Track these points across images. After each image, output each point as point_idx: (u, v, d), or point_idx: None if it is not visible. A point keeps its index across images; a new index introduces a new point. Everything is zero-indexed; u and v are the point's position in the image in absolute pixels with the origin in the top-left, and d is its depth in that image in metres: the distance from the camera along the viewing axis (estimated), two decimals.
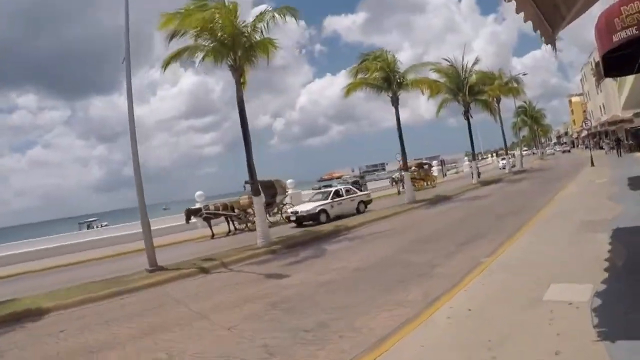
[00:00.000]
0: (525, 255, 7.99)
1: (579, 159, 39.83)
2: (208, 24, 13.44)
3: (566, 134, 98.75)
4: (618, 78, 32.94)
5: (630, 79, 25.76)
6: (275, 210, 21.53)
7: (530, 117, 64.05)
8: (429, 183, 36.65)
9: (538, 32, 5.35)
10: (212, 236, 18.64)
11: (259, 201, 14.75)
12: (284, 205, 22.02)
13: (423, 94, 24.58)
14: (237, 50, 14.40)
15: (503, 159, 48.38)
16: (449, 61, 31.53)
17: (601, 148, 52.50)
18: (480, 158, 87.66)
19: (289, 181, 28.68)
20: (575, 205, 13.05)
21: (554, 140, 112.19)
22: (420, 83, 23.59)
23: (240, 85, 14.88)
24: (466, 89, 31.18)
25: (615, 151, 37.92)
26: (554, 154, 76.63)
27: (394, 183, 34.75)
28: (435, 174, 46.82)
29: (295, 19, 14.97)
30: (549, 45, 6.01)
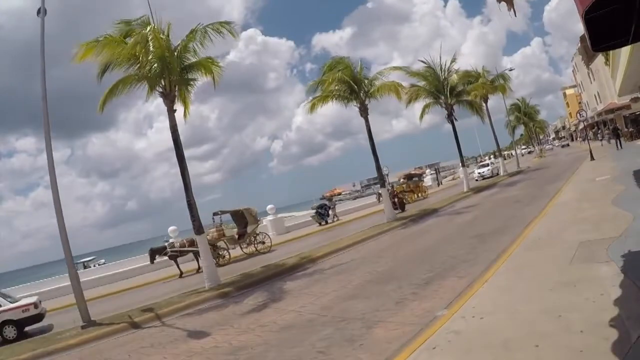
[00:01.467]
0: (486, 320, 5.27)
1: (578, 153, 37.24)
2: (131, 51, 12.19)
3: (564, 127, 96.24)
4: (610, 59, 30.47)
5: (622, 62, 23.19)
6: (248, 241, 19.73)
7: (524, 114, 61.47)
8: (420, 194, 34.17)
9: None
10: (181, 275, 17.37)
11: (203, 240, 13.35)
12: (257, 235, 19.93)
13: (400, 100, 22.00)
14: (169, 75, 12.82)
15: (482, 166, 43.34)
16: (425, 62, 29.08)
17: (599, 140, 49.74)
18: (479, 161, 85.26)
19: (268, 207, 27.09)
20: (570, 216, 10.37)
21: (552, 135, 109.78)
22: (386, 89, 21.01)
23: (172, 113, 13.25)
24: (447, 91, 28.65)
25: (614, 142, 33.97)
26: (552, 149, 74.13)
27: (380, 199, 31.99)
28: (428, 183, 44.58)
29: (233, 35, 13.30)
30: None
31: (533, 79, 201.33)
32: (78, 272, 12.41)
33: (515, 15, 5.44)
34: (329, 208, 26.88)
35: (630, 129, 38.64)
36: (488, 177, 37.21)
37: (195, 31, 13.17)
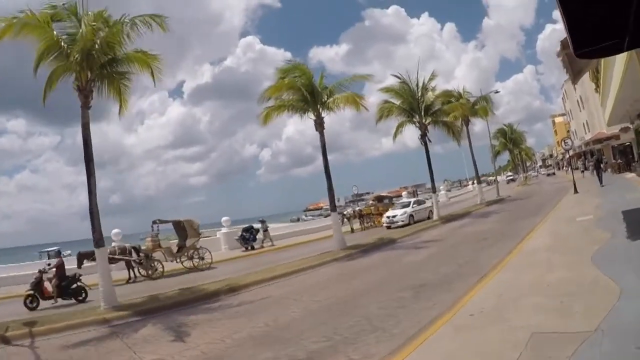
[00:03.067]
0: None
1: (563, 183, 34.85)
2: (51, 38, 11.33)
3: (551, 156, 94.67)
4: (600, 85, 28.12)
5: (613, 89, 20.67)
6: (188, 255, 17.95)
7: (510, 140, 59.20)
8: None
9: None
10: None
11: (101, 254, 11.84)
12: (198, 249, 18.09)
13: (359, 111, 19.26)
14: (89, 68, 11.75)
15: (402, 206, 27.85)
16: (399, 77, 26.46)
17: (582, 170, 47.35)
18: (461, 185, 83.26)
19: (223, 219, 25.11)
20: (533, 277, 7.59)
21: (540, 163, 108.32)
22: (343, 100, 18.30)
23: (86, 109, 11.75)
24: (422, 109, 26.02)
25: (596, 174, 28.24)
26: (537, 176, 72.12)
27: (345, 220, 29.06)
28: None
29: (162, 29, 12.11)
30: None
31: (524, 105, 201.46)
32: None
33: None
34: (257, 232, 23.02)
35: (619, 161, 36.36)
36: (400, 226, 24.68)
37: (121, 22, 11.90)
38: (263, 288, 11.84)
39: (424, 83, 26.58)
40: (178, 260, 17.70)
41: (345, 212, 30.20)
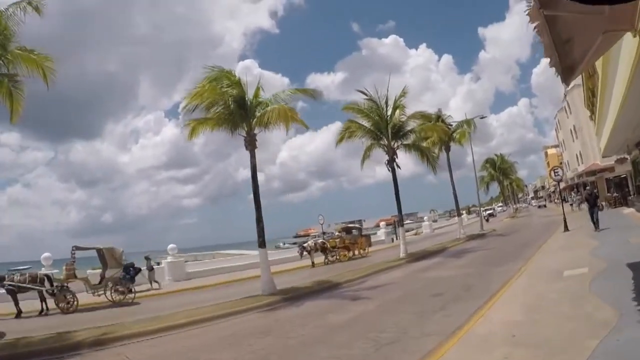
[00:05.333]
0: None
1: (553, 217, 31.47)
2: None
3: (543, 187, 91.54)
4: (596, 112, 24.83)
5: (611, 116, 17.23)
6: (112, 288, 15.99)
7: (499, 170, 55.85)
8: (358, 252, 27.64)
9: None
10: (17, 314, 14.43)
11: None
12: (121, 280, 16.11)
13: (288, 129, 15.97)
14: None
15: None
16: (365, 94, 22.99)
17: (571, 204, 43.80)
18: (450, 216, 79.45)
19: (169, 246, 22.69)
20: None
21: (532, 194, 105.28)
22: (275, 115, 14.68)
23: None
24: (389, 131, 22.48)
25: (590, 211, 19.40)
26: (527, 207, 68.81)
27: (304, 253, 25.14)
28: (381, 237, 38.06)
29: (38, 12, 11.26)
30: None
31: (517, 138, 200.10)
32: None
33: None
34: (138, 271, 17.84)
35: (614, 194, 32.92)
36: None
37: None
38: (138, 344, 9.24)
39: (395, 101, 23.06)
40: (96, 293, 15.78)
41: (305, 245, 26.27)
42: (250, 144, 15.24)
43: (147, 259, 17.53)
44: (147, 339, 9.50)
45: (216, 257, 41.75)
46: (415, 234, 48.71)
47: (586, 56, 7.88)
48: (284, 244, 65.97)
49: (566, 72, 8.61)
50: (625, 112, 14.49)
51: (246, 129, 15.23)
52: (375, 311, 9.99)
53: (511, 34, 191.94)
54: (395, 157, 22.59)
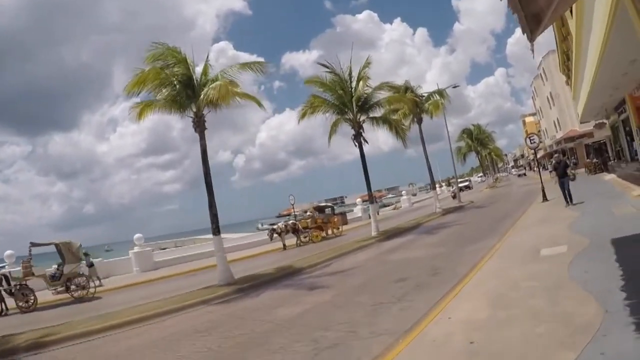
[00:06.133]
0: None
1: (532, 186, 30.77)
2: None
3: (522, 156, 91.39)
4: (572, 76, 23.67)
5: (588, 77, 15.96)
6: (72, 284, 15.25)
7: (476, 140, 54.83)
8: (331, 231, 26.57)
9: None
10: None
11: None
12: (80, 276, 15.36)
13: (228, 106, 14.61)
14: None
15: None
16: (328, 67, 21.33)
17: (551, 171, 43.16)
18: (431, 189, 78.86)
19: (136, 236, 22.05)
20: None
21: (511, 163, 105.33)
22: (216, 92, 13.25)
23: None
24: (353, 104, 20.92)
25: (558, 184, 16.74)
26: (508, 177, 68.59)
27: (274, 235, 23.77)
28: (357, 214, 36.96)
29: None
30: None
31: (495, 107, 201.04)
32: None
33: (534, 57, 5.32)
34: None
35: (594, 160, 32.09)
36: None
37: None
38: (77, 346, 8.50)
39: (358, 73, 21.46)
40: (54, 289, 15.13)
41: (275, 226, 24.98)
42: (199, 125, 14.04)
43: (86, 254, 16.04)
44: (90, 339, 8.84)
45: (196, 243, 41.34)
46: (394, 209, 47.87)
47: (553, 2, 6.57)
48: (262, 225, 64.53)
49: (532, 23, 7.19)
50: (602, 73, 13.32)
51: (194, 109, 14.01)
52: (329, 303, 8.78)
53: (485, 5, 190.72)
54: (361, 131, 21.15)
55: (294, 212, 32.15)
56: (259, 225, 63.69)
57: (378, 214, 41.72)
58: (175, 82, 13.71)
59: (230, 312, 9.77)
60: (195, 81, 14.06)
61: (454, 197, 35.85)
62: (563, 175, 16.17)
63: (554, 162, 18.42)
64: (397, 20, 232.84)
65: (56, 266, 15.32)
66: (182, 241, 51.44)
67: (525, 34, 6.74)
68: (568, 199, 15.59)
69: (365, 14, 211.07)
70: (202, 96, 13.65)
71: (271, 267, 14.96)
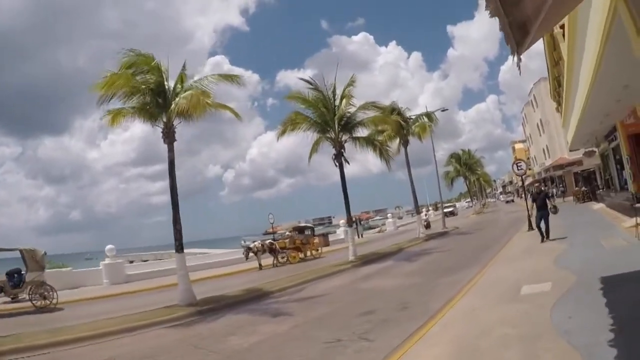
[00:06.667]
0: None
1: (519, 213, 30.15)
2: None
3: (511, 182, 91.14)
4: (563, 103, 23.14)
5: (578, 104, 15.30)
6: (30, 293, 14.29)
7: (465, 165, 54.25)
8: (310, 253, 25.39)
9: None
10: None
11: None
12: (42, 285, 14.44)
13: (202, 117, 13.95)
14: None
15: None
16: (311, 83, 20.58)
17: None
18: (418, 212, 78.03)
19: (107, 247, 21.20)
20: None
21: (500, 189, 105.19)
22: (187, 102, 12.59)
23: None
24: (335, 123, 20.08)
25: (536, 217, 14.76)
26: (495, 202, 68.17)
27: (250, 254, 22.64)
28: (340, 236, 35.89)
29: None
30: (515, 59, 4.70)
31: (485, 133, 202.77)
32: None
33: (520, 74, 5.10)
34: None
35: (583, 189, 31.48)
36: None
37: None
38: None
39: (342, 90, 20.66)
40: (14, 297, 14.48)
41: (251, 245, 23.81)
42: (168, 136, 13.26)
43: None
44: (32, 355, 8.32)
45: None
46: (379, 232, 46.96)
47: (542, 10, 5.76)
48: (245, 241, 63.10)
49: (517, 34, 6.34)
50: (594, 99, 12.56)
51: (164, 119, 13.24)
52: (285, 335, 7.94)
53: (479, 32, 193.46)
54: (343, 151, 20.29)
55: (279, 231, 31.17)
56: (243, 242, 62.36)
57: (362, 236, 41.07)
58: (146, 90, 13.00)
59: (182, 337, 9.10)
60: (167, 90, 13.36)
61: (427, 226, 34.50)
62: (542, 207, 14.13)
63: (533, 191, 17.14)
64: (393, 44, 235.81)
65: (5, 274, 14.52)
66: (162, 254, 50.22)
67: (509, 45, 5.91)
68: (544, 234, 13.66)
69: (362, 35, 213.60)
70: (173, 105, 12.96)
71: (240, 289, 14.22)
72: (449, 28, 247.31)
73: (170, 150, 13.32)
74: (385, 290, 10.92)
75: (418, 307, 8.26)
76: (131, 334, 9.64)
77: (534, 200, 15.22)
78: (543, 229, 13.67)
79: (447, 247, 19.72)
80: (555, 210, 18.14)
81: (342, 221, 40.29)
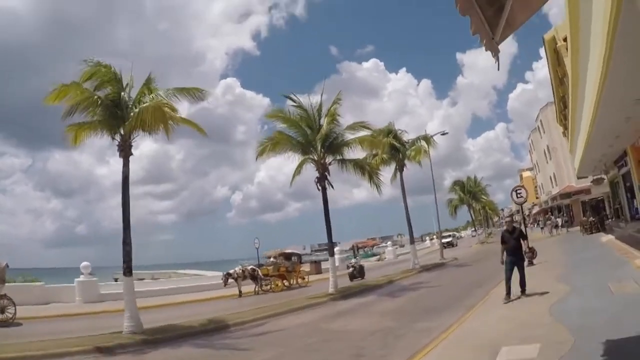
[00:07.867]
0: None
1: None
2: None
3: (518, 211, 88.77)
4: (569, 127, 21.51)
5: (584, 125, 13.69)
6: None
7: (469, 192, 52.18)
8: (295, 281, 23.95)
9: (480, 38, 4.38)
10: None
11: None
12: (2, 299, 13.82)
13: (167, 134, 12.88)
14: None
15: None
16: (294, 100, 19.17)
17: (542, 227, 40.80)
18: (422, 240, 75.93)
19: (82, 264, 20.39)
20: None
21: (508, 218, 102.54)
22: (149, 114, 11.63)
23: None
24: (318, 143, 18.56)
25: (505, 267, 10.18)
26: (501, 231, 65.69)
27: (230, 280, 21.09)
28: (336, 264, 34.04)
29: None
30: (489, 51, 4.60)
31: (494, 162, 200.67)
32: None
33: (499, 69, 4.95)
34: None
35: (590, 219, 29.49)
36: None
37: None
38: None
39: (328, 110, 19.05)
40: None
41: (231, 271, 22.28)
42: (124, 149, 12.43)
43: None
44: None
45: (172, 277, 39.10)
46: (379, 260, 45.13)
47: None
48: (243, 265, 61.40)
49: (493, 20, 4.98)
50: (601, 115, 10.88)
51: (122, 132, 12.48)
52: None
53: (488, 60, 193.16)
54: (327, 174, 18.69)
55: (272, 258, 29.60)
56: (240, 265, 60.89)
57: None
58: (102, 101, 12.24)
59: None
60: (125, 101, 12.61)
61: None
62: (515, 251, 9.94)
63: (505, 226, 12.95)
64: (403, 70, 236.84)
65: None
66: (160, 274, 49.03)
67: (484, 41, 4.66)
68: (510, 290, 9.67)
69: (372, 62, 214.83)
70: (130, 117, 12.09)
71: (201, 318, 13.15)
72: (459, 55, 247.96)
73: (126, 165, 12.47)
74: (348, 334, 9.27)
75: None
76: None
77: (503, 242, 10.24)
78: (517, 280, 9.86)
79: (438, 281, 17.90)
80: (533, 254, 15.43)
81: (337, 248, 38.62)
